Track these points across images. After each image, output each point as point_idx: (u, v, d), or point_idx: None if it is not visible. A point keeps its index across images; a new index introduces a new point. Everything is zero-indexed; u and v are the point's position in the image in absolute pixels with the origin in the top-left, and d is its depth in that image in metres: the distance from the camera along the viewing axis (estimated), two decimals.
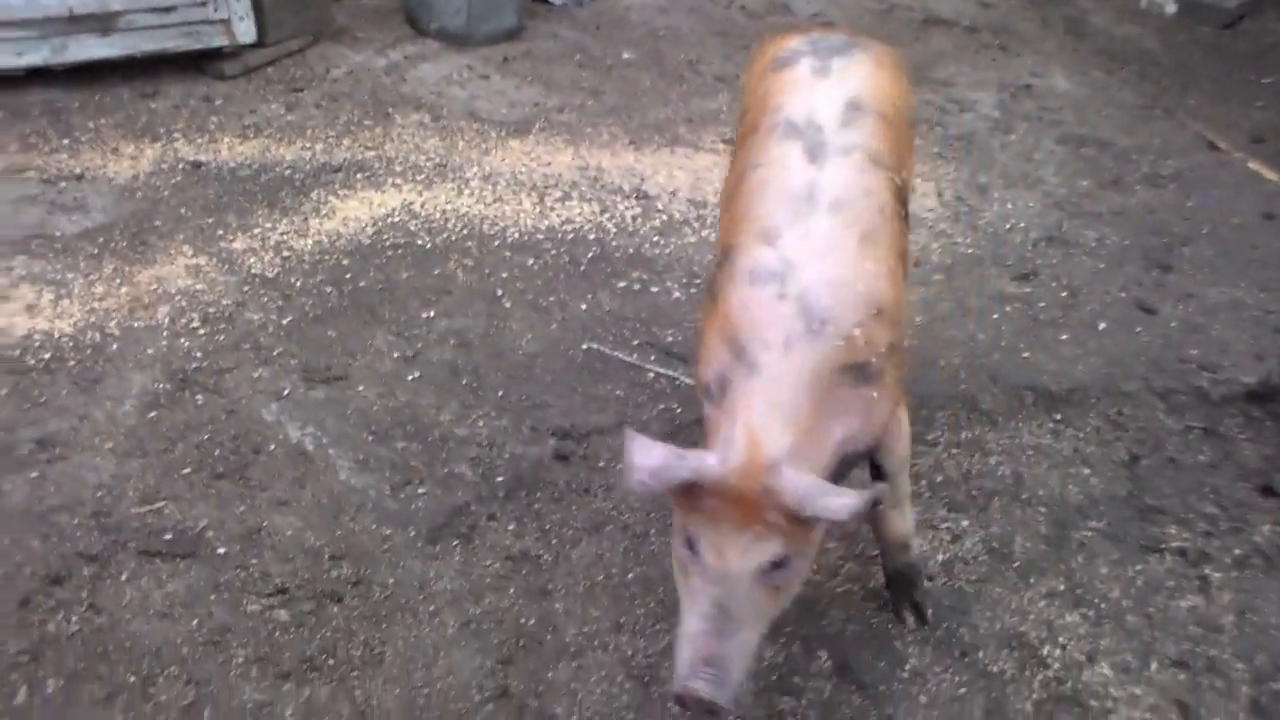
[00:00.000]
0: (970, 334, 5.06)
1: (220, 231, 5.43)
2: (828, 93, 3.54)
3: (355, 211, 5.64)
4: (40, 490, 3.97)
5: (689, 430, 4.25)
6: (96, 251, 5.24)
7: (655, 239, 5.58)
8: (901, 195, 3.52)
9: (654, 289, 5.21)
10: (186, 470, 4.09)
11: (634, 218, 5.73)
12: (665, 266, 5.37)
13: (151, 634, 3.52)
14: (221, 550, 3.79)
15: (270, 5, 6.91)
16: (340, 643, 3.52)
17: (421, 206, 5.69)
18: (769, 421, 2.99)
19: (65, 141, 6.15)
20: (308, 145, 6.23)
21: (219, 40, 6.83)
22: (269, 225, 5.50)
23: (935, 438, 4.45)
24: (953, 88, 7.40)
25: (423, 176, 5.97)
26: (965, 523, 4.09)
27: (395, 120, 6.53)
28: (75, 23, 6.56)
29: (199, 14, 6.72)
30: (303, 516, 3.94)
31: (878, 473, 3.53)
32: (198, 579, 3.69)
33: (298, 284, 5.11)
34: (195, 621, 3.56)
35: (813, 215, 3.25)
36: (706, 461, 2.93)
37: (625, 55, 7.62)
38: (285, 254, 5.30)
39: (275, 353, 4.68)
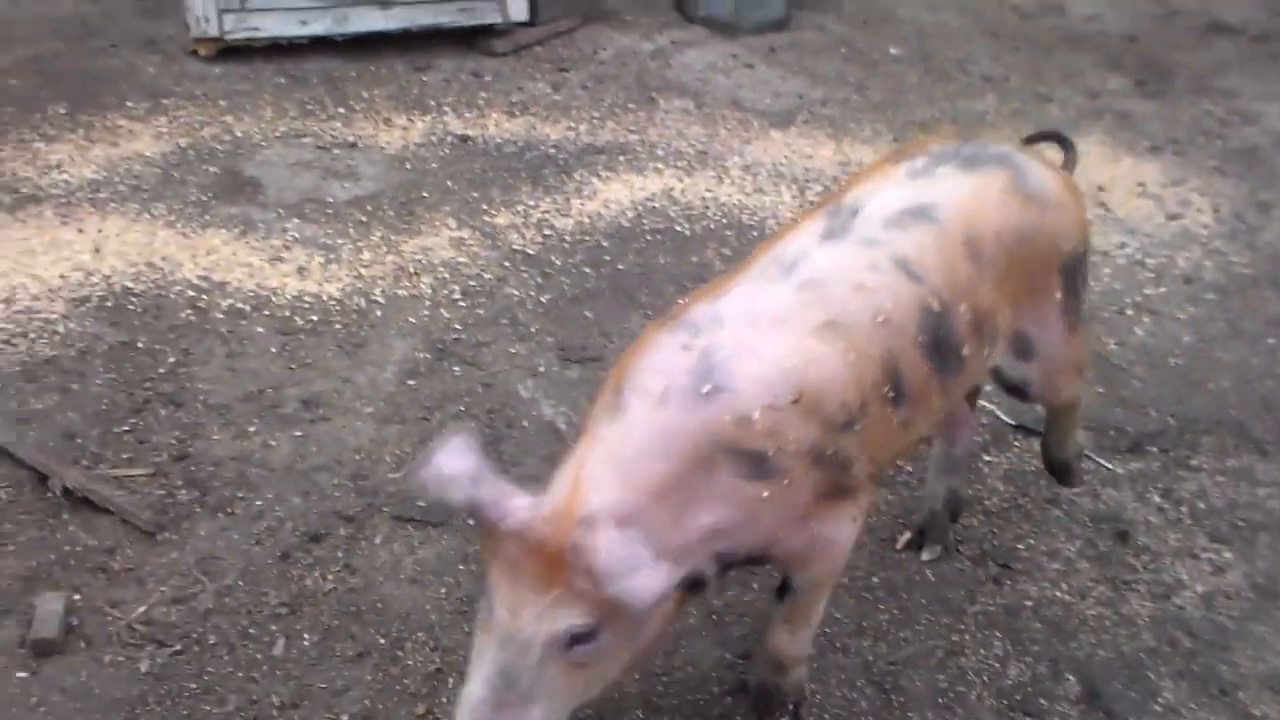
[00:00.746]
0: (1243, 358, 4.84)
1: (485, 206, 5.52)
2: (899, 191, 3.13)
3: (616, 194, 5.68)
4: (303, 449, 4.09)
5: None
6: (365, 219, 5.38)
7: None
8: (944, 327, 3.00)
9: None
10: None
11: None
12: None
13: (402, 598, 3.59)
14: (471, 522, 3.84)
15: None
16: None
17: (682, 193, 5.70)
18: (605, 473, 2.63)
19: (340, 110, 6.34)
20: (572, 125, 6.31)
21: (492, 17, 6.96)
22: (531, 203, 5.58)
23: (1199, 463, 4.27)
24: (1236, 99, 7.09)
25: (684, 163, 5.98)
26: (1229, 555, 3.91)
27: (659, 105, 6.56)
28: None
29: None
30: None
31: (783, 587, 3.14)
32: (448, 548, 3.75)
33: (557, 263, 5.16)
34: (444, 590, 3.62)
35: (777, 283, 2.90)
36: (511, 499, 2.60)
37: (892, 51, 7.52)
38: (546, 232, 5.36)
39: (533, 329, 4.74)
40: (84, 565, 3.64)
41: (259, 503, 3.88)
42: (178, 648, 3.39)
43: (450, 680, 3.34)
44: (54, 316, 4.65)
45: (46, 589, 3.53)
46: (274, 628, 3.47)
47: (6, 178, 5.63)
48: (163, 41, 7.07)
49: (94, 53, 6.95)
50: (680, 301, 3.11)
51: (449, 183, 5.71)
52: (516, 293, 4.94)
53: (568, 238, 5.34)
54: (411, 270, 5.06)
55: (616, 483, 2.62)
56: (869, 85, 7.03)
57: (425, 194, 5.60)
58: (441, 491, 2.61)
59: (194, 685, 3.28)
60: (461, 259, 5.15)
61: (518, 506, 2.58)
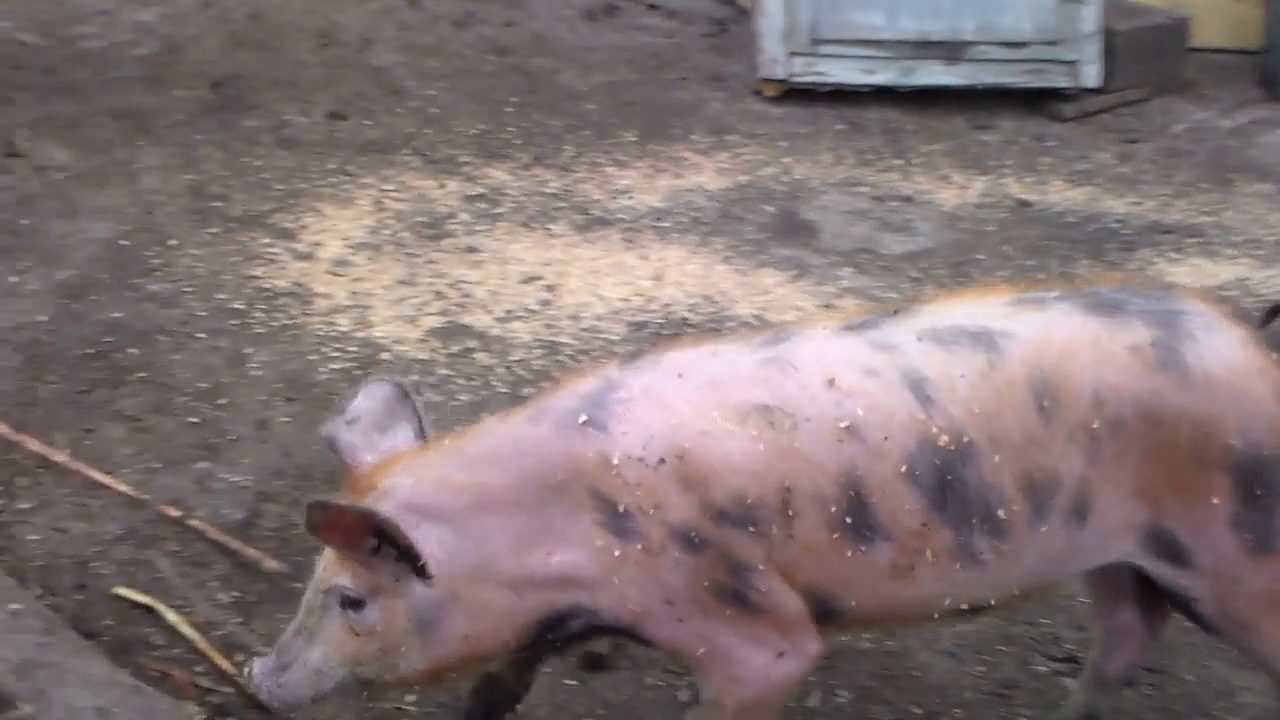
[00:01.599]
0: None
1: (1041, 275, 5.38)
2: (977, 311, 2.69)
3: (1183, 279, 5.40)
4: None
5: None
6: (919, 276, 5.35)
7: None
8: (960, 471, 2.54)
9: None
10: None
11: None
12: None
13: (938, 669, 3.50)
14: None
15: (1122, 51, 6.81)
16: None
17: (1258, 285, 5.36)
18: (438, 461, 2.64)
19: (898, 162, 6.35)
20: (1139, 200, 6.06)
21: (1061, 81, 6.81)
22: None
23: None
24: None
25: (1262, 252, 5.62)
26: None
27: (1236, 187, 6.21)
28: (926, 48, 6.78)
29: (1048, 53, 6.74)
30: None
31: None
32: (988, 626, 3.64)
33: None
34: (982, 668, 3.51)
35: (751, 351, 2.63)
36: (362, 450, 2.69)
37: None
38: None
39: None
40: None
41: None
42: None
43: None
44: (615, 338, 4.84)
45: None
46: (811, 679, 3.46)
47: (579, 198, 5.93)
48: (729, 78, 7.30)
49: (665, 84, 7.25)
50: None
51: (1005, 247, 5.60)
52: None
53: None
54: None
55: (439, 473, 2.61)
56: None
57: (980, 256, 5.52)
58: (328, 427, 2.77)
59: None
60: None
61: (362, 460, 2.68)
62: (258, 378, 4.60)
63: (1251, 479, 2.61)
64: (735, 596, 2.56)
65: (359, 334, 4.87)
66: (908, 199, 5.99)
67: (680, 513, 2.50)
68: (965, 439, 2.54)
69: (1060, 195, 6.09)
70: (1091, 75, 6.79)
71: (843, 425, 2.51)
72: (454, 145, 6.41)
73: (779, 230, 5.69)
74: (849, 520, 2.53)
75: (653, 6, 8.12)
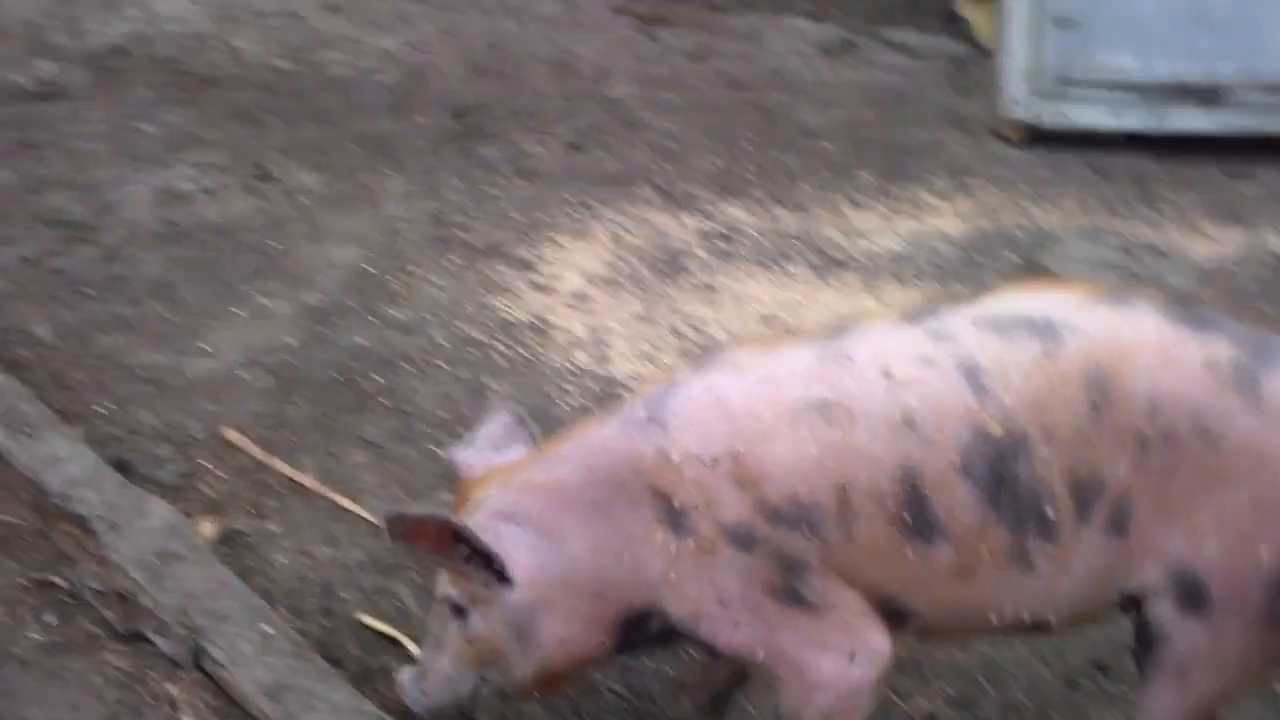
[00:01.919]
0: None
1: None
2: (1043, 303, 2.59)
3: None
4: None
5: None
6: None
7: None
8: (1009, 463, 2.48)
9: None
10: None
11: None
12: None
13: None
14: None
15: None
16: None
17: None
18: (525, 470, 2.75)
19: (1147, 212, 6.15)
20: None
21: None
22: None
23: None
24: None
25: None
26: None
27: None
28: (1181, 93, 6.55)
29: None
30: None
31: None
32: None
33: None
34: None
35: (812, 347, 2.65)
36: (469, 471, 2.84)
37: None
38: None
39: None
40: None
41: None
42: None
43: None
44: None
45: None
46: None
47: (816, 239, 5.88)
48: (969, 120, 7.17)
49: (903, 124, 7.15)
50: None
51: (1264, 306, 5.36)
52: None
53: None
54: None
55: (520, 479, 2.71)
56: None
57: (1238, 314, 5.29)
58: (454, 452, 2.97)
59: None
60: None
61: (461, 474, 2.85)
62: None
63: None
64: (791, 596, 2.56)
65: (598, 370, 4.88)
66: (1158, 251, 5.80)
67: (733, 512, 2.53)
68: (1017, 430, 2.49)
69: None
70: None
71: (897, 417, 2.50)
72: (690, 180, 6.40)
73: (1021, 280, 5.55)
74: (907, 517, 2.52)
75: (890, 44, 8.03)
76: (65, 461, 3.92)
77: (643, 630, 2.76)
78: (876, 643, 2.62)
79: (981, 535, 2.53)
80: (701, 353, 2.78)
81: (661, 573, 2.62)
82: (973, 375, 2.51)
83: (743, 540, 2.54)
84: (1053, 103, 6.73)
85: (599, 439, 2.73)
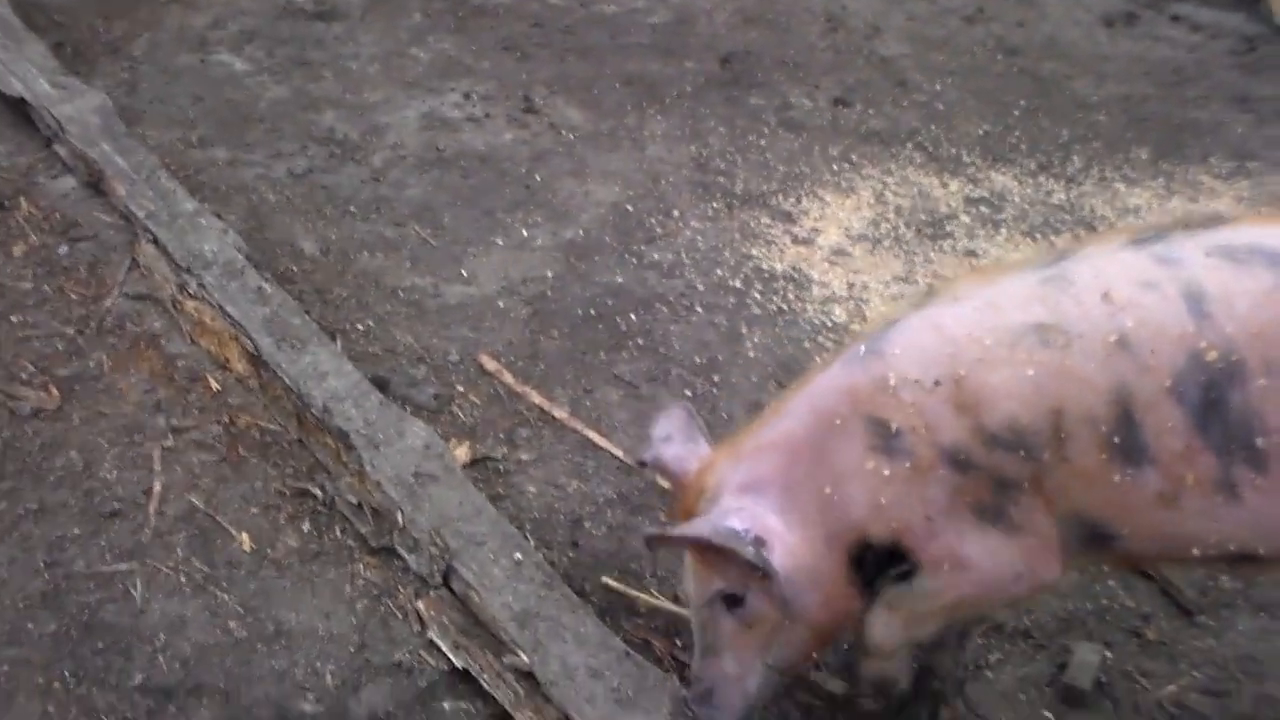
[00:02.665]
0: None
1: None
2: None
3: None
4: None
5: None
6: None
7: None
8: (1225, 391, 2.41)
9: None
10: None
11: None
12: None
13: None
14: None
15: None
16: None
17: None
18: (752, 440, 2.76)
19: None
20: None
21: None
22: None
23: None
24: None
25: None
26: None
27: None
28: None
29: None
30: None
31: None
32: None
33: None
34: None
35: (1035, 270, 2.63)
36: (685, 461, 2.86)
37: None
38: None
39: None
40: (1120, 625, 3.56)
41: None
42: None
43: None
44: None
45: (1082, 637, 3.48)
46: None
47: (1084, 213, 5.67)
48: (1257, 100, 6.81)
49: (1183, 102, 6.84)
50: None
51: None
52: None
53: None
54: None
55: (750, 446, 2.74)
56: None
57: None
58: (642, 452, 2.96)
59: None
60: None
61: (690, 470, 2.83)
62: (752, 359, 4.59)
63: None
64: (996, 515, 2.60)
65: (853, 326, 4.79)
66: None
67: (952, 435, 2.55)
68: (1235, 358, 2.43)
69: None
70: None
71: (1112, 339, 2.48)
72: (958, 144, 6.24)
73: None
74: (1117, 441, 2.49)
75: (1176, 18, 7.67)
76: (329, 376, 3.99)
77: (864, 566, 2.78)
78: (1045, 571, 2.68)
79: (1188, 461, 2.48)
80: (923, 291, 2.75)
81: (870, 498, 2.65)
82: (1195, 301, 2.47)
83: (960, 463, 2.58)
84: None
85: (820, 383, 2.75)
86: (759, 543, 2.67)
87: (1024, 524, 2.61)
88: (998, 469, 2.56)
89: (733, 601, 2.76)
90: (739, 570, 2.69)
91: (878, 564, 2.78)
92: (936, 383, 2.57)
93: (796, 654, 2.87)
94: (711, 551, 2.69)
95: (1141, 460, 2.50)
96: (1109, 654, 3.45)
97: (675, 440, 2.96)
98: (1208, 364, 2.44)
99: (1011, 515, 2.60)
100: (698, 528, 2.69)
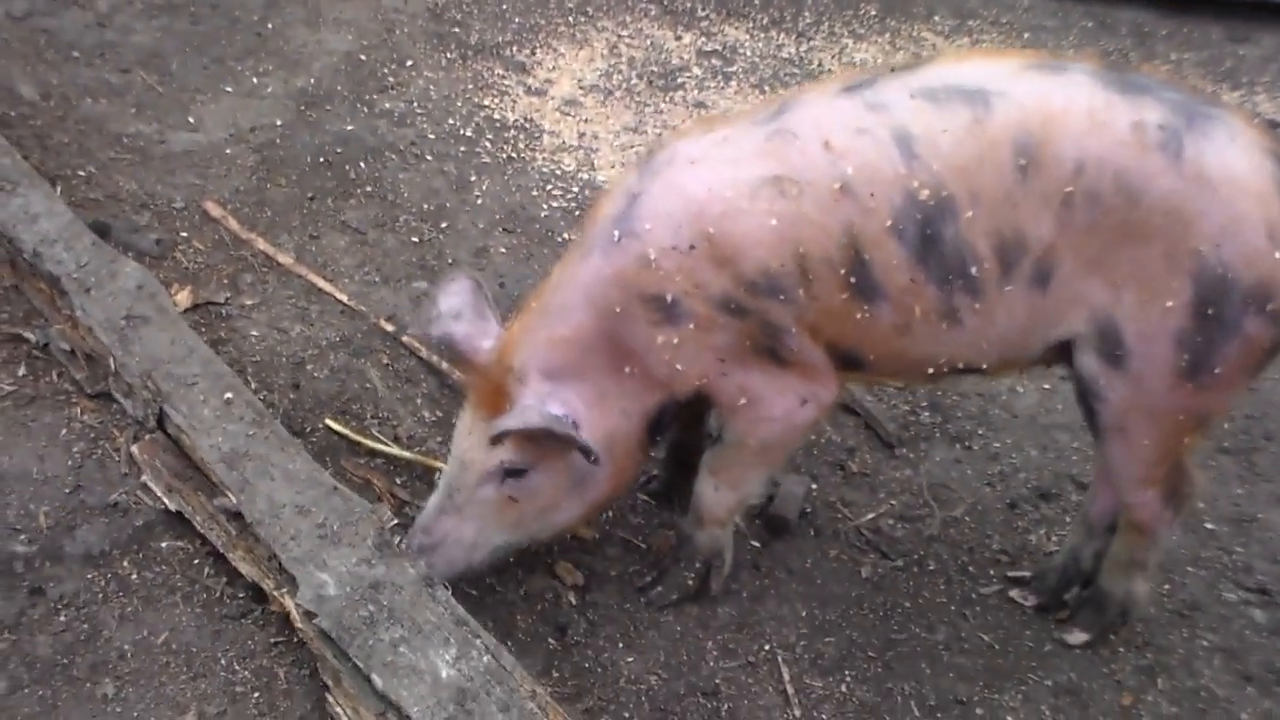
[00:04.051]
0: None
1: None
2: (977, 71, 2.67)
3: None
4: (1049, 403, 4.03)
5: None
6: None
7: None
8: (938, 226, 2.64)
9: None
10: None
11: None
12: None
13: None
14: (1210, 526, 3.66)
15: None
16: None
17: None
18: (537, 325, 2.88)
19: (1144, 67, 6.10)
20: None
21: None
22: None
23: None
24: None
25: None
26: None
27: None
28: None
29: None
30: None
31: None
32: (1178, 546, 3.57)
33: None
34: (1167, 586, 3.46)
35: (756, 126, 2.76)
36: (482, 339, 2.97)
37: None
38: None
39: None
40: (825, 459, 3.77)
41: (997, 445, 3.88)
42: (899, 563, 3.45)
43: (1159, 680, 3.20)
44: None
45: (790, 471, 3.67)
46: (991, 572, 3.46)
47: (813, 66, 5.85)
48: None
49: None
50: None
51: None
52: None
53: None
54: None
55: (544, 336, 2.85)
56: None
57: None
58: (429, 326, 3.04)
59: (908, 604, 3.34)
60: None
61: (483, 347, 2.95)
62: (480, 206, 4.66)
63: (1208, 296, 2.60)
64: (770, 353, 2.81)
65: (582, 175, 4.90)
66: None
67: (720, 287, 2.71)
68: (944, 193, 2.62)
69: None
70: None
71: (836, 186, 2.65)
72: None
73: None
74: (854, 280, 2.70)
75: None
76: (41, 219, 3.88)
77: (659, 427, 3.01)
78: (826, 391, 2.92)
79: (915, 294, 2.70)
80: (648, 152, 2.83)
81: (668, 367, 2.83)
82: (904, 143, 2.64)
83: (733, 310, 2.74)
84: None
85: (586, 274, 2.83)
86: (575, 426, 2.85)
87: (799, 356, 2.82)
88: (764, 312, 2.74)
89: (512, 473, 2.91)
90: (544, 445, 2.85)
91: (667, 422, 3.03)
92: (691, 246, 2.70)
93: (552, 531, 3.09)
94: (536, 435, 2.82)
95: (875, 296, 2.72)
96: (815, 486, 3.66)
97: (465, 317, 3.03)
98: (921, 202, 2.63)
99: (788, 349, 2.80)
100: (530, 417, 2.80)
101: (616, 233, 2.77)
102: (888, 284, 2.70)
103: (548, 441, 2.83)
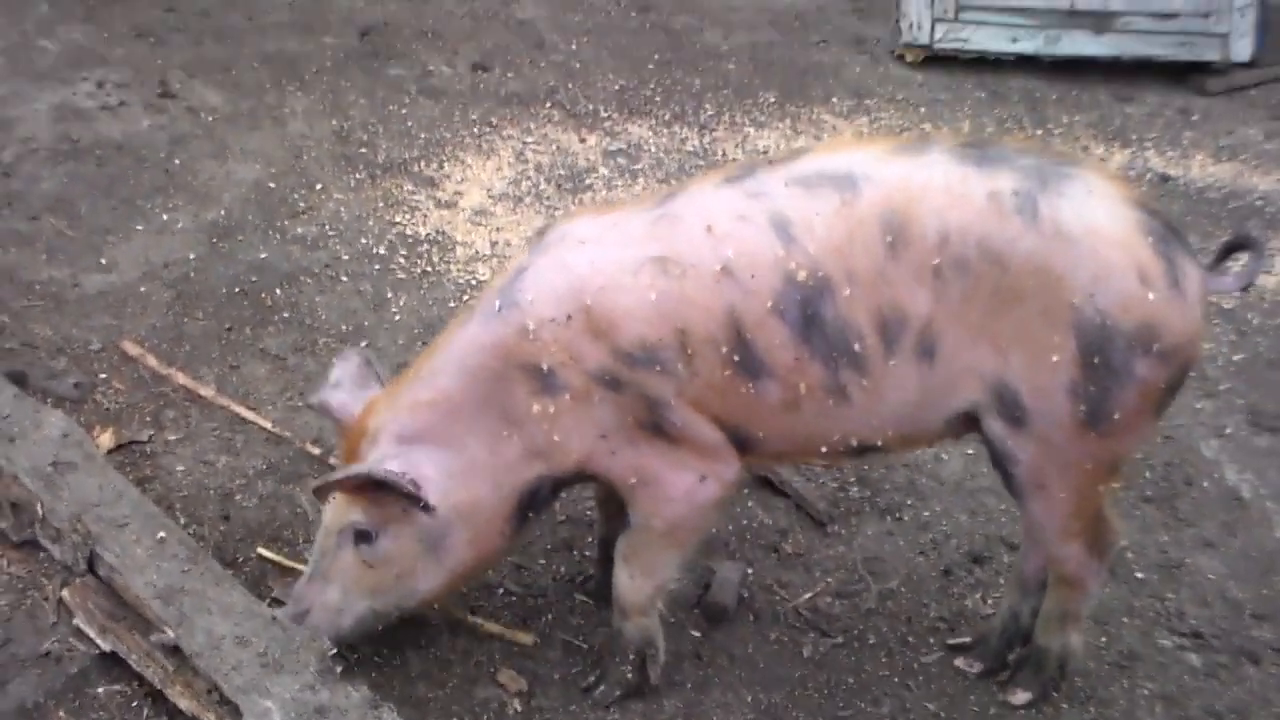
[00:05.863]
0: None
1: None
2: (843, 159, 2.81)
3: None
4: (974, 468, 4.08)
5: None
6: None
7: None
8: (818, 306, 2.74)
9: None
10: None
11: None
12: None
13: None
14: (1140, 575, 3.72)
15: (1276, 25, 6.65)
16: (1253, 707, 3.33)
17: None
18: (404, 390, 2.96)
19: (1038, 131, 6.28)
20: None
21: (1211, 54, 6.69)
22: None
23: None
24: None
25: None
26: None
27: None
28: (1073, 18, 6.74)
29: (1199, 25, 6.65)
30: (1228, 564, 3.77)
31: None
32: (1111, 598, 3.63)
33: (1255, 321, 4.89)
34: (1104, 639, 3.51)
35: (643, 211, 2.87)
36: (351, 405, 3.07)
37: None
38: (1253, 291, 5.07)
39: (1221, 388, 4.52)
40: (759, 542, 3.80)
41: (926, 513, 3.92)
42: (839, 640, 3.47)
43: None
44: None
45: (725, 557, 3.70)
46: (931, 640, 3.49)
47: (717, 157, 5.96)
48: (870, 42, 7.26)
49: (806, 46, 7.23)
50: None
51: None
52: (1209, 346, 4.71)
53: (1268, 296, 5.03)
54: None
55: (407, 400, 2.94)
56: None
57: None
58: (312, 396, 3.19)
59: (851, 680, 3.35)
60: None
61: (351, 414, 3.04)
62: (398, 322, 4.70)
63: (1091, 346, 2.68)
64: (657, 429, 2.86)
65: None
66: None
67: (596, 359, 2.79)
68: (821, 273, 2.74)
69: (1203, 171, 5.99)
70: (1243, 49, 6.64)
71: (718, 268, 2.75)
72: (595, 100, 6.46)
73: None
74: (737, 359, 2.79)
75: None
76: None
77: (535, 502, 3.03)
78: (724, 469, 2.96)
79: (800, 372, 2.79)
80: (538, 232, 2.93)
81: (545, 438, 2.89)
82: (782, 228, 2.75)
83: (610, 382, 2.81)
84: (950, 27, 6.83)
85: (464, 341, 2.93)
86: (415, 485, 2.89)
87: (687, 432, 2.87)
88: (642, 385, 2.81)
89: (362, 537, 2.97)
90: (388, 508, 2.92)
91: (544, 499, 3.06)
92: (569, 317, 2.78)
93: (416, 599, 3.10)
94: (371, 487, 2.89)
95: (760, 373, 2.80)
96: (750, 570, 3.68)
97: (344, 386, 3.15)
98: (800, 283, 2.73)
99: (672, 425, 2.86)
100: (358, 468, 2.89)
101: (498, 303, 2.87)
102: (772, 362, 2.79)
103: (388, 502, 2.91)
